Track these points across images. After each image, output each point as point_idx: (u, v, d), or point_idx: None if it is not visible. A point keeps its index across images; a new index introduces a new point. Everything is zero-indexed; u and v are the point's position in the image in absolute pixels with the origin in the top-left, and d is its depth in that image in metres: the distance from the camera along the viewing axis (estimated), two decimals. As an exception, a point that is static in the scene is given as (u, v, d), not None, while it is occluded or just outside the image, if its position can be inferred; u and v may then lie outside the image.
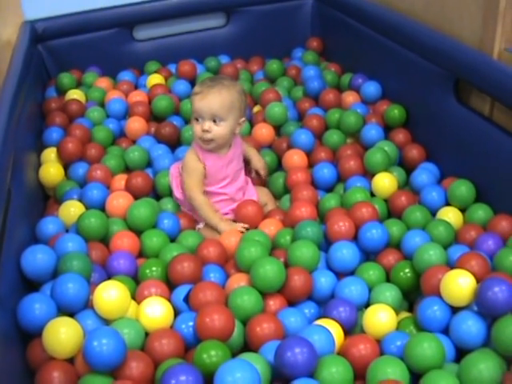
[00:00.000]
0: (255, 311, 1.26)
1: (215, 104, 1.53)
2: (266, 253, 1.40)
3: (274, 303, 1.31)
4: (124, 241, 1.47)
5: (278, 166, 1.86)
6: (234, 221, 1.61)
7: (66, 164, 1.78)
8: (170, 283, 1.37)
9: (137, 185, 1.68)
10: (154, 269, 1.38)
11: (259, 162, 1.77)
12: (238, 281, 1.35)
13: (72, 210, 1.56)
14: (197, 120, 1.57)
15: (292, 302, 1.34)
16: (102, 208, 1.59)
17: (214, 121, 1.55)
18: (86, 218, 1.47)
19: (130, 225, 1.54)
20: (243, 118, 1.61)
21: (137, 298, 1.30)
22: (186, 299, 1.29)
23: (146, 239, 1.49)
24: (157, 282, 1.33)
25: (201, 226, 1.62)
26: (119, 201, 1.60)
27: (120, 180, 1.72)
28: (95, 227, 1.47)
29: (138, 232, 1.52)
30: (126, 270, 1.39)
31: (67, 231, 1.52)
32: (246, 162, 1.75)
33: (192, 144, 1.64)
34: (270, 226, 1.56)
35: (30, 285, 1.33)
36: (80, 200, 1.62)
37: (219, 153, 1.60)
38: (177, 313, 1.28)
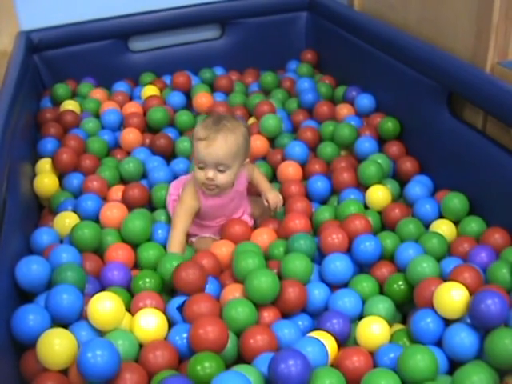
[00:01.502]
0: (249, 323, 1.26)
1: (221, 153, 1.46)
2: (263, 264, 1.40)
3: (268, 315, 1.31)
4: (119, 253, 1.47)
5: (273, 177, 1.87)
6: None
7: (61, 175, 1.77)
8: (165, 295, 1.37)
9: (133, 196, 1.68)
10: (147, 280, 1.37)
11: (274, 198, 1.65)
12: (233, 291, 1.35)
13: (67, 221, 1.56)
14: (199, 166, 1.50)
15: (286, 315, 1.34)
16: (96, 219, 1.59)
17: (219, 169, 1.49)
18: (80, 229, 1.47)
19: (125, 238, 1.54)
20: (247, 159, 1.56)
21: (132, 309, 1.30)
22: (180, 308, 1.29)
23: (142, 252, 1.49)
24: (152, 293, 1.33)
25: (193, 239, 1.62)
26: (113, 211, 1.60)
27: (117, 191, 1.72)
28: (88, 238, 1.47)
29: (133, 245, 1.52)
30: (120, 281, 1.39)
31: (62, 242, 1.52)
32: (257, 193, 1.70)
33: (192, 178, 1.58)
34: (263, 235, 1.56)
35: (24, 296, 1.33)
36: (74, 211, 1.62)
37: (220, 194, 1.56)
38: (171, 324, 1.28)
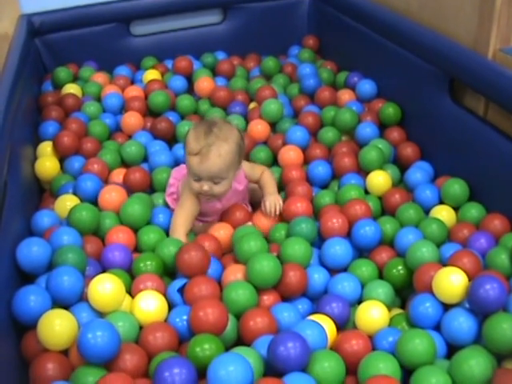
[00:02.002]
0: (249, 306, 1.26)
1: (215, 169, 1.43)
2: (266, 247, 1.40)
3: (268, 298, 1.32)
4: (120, 236, 1.47)
5: (273, 162, 1.87)
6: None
7: (62, 158, 1.78)
8: (166, 277, 1.38)
9: (135, 180, 1.68)
10: (148, 263, 1.38)
11: (272, 202, 1.56)
12: (235, 272, 1.36)
13: (68, 203, 1.56)
14: (194, 179, 1.47)
15: (286, 298, 1.35)
16: (96, 200, 1.59)
17: (214, 181, 1.46)
18: (78, 211, 1.47)
19: (124, 222, 1.53)
20: (242, 161, 1.54)
21: (132, 291, 1.31)
22: (181, 290, 1.30)
23: (143, 236, 1.49)
24: (152, 276, 1.34)
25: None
26: (112, 195, 1.59)
27: (118, 175, 1.73)
28: (87, 220, 1.47)
29: (133, 228, 1.52)
30: (121, 262, 1.39)
31: (61, 224, 1.52)
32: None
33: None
34: (263, 219, 1.57)
35: (25, 277, 1.34)
36: (74, 193, 1.62)
37: (219, 198, 1.54)
38: (171, 306, 1.29)
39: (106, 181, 1.71)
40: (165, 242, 1.43)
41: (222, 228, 1.52)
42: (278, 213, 1.56)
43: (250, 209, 1.65)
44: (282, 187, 1.72)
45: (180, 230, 1.50)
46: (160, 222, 1.58)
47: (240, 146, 1.49)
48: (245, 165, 1.60)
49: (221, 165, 1.43)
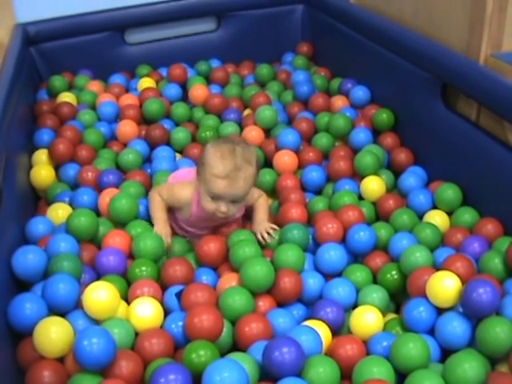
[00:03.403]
0: (246, 311, 1.27)
1: (240, 192, 1.42)
2: (260, 252, 1.41)
3: (263, 304, 1.33)
4: (116, 240, 1.47)
5: (265, 164, 1.87)
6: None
7: (57, 165, 1.78)
8: (163, 283, 1.38)
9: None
10: (143, 268, 1.38)
11: (261, 231, 1.54)
12: (230, 281, 1.36)
13: (60, 211, 1.57)
14: (213, 198, 1.43)
15: (282, 304, 1.35)
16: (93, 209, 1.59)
17: (233, 201, 1.44)
18: (76, 217, 1.47)
19: (114, 217, 1.54)
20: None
21: (129, 297, 1.31)
22: (179, 295, 1.30)
23: (130, 230, 1.50)
24: (149, 281, 1.34)
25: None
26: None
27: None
28: (85, 226, 1.46)
29: (122, 224, 1.53)
30: (115, 267, 1.39)
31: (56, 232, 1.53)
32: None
33: (196, 181, 1.50)
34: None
35: (21, 285, 1.34)
36: (70, 204, 1.62)
37: None
38: (167, 313, 1.30)
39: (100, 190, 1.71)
40: (139, 237, 1.45)
41: (211, 241, 1.48)
42: (269, 241, 1.52)
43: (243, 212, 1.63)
44: (274, 188, 1.75)
45: (158, 201, 1.53)
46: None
47: (258, 168, 1.48)
48: None
49: (246, 188, 1.43)
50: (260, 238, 1.52)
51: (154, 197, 1.55)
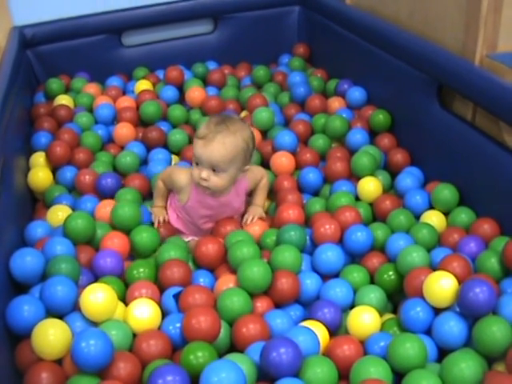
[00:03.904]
0: (244, 312, 1.27)
1: (216, 155, 1.44)
2: (258, 253, 1.42)
3: (261, 305, 1.33)
4: (114, 241, 1.47)
5: (262, 166, 1.86)
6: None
7: (55, 168, 1.78)
8: (160, 284, 1.39)
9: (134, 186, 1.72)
10: (141, 270, 1.39)
11: (252, 213, 1.62)
12: (227, 282, 1.37)
13: (59, 214, 1.57)
14: (196, 163, 1.49)
15: (279, 305, 1.36)
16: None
17: (214, 169, 1.47)
18: (73, 219, 1.47)
19: (117, 225, 1.54)
20: (248, 166, 1.54)
21: (127, 299, 1.32)
22: (177, 297, 1.30)
23: (135, 236, 1.50)
24: (147, 282, 1.35)
25: (189, 238, 1.62)
26: (107, 209, 1.59)
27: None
28: (82, 228, 1.47)
29: (126, 230, 1.53)
30: (113, 268, 1.39)
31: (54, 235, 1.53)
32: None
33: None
34: (255, 226, 1.59)
35: (19, 287, 1.34)
36: (73, 210, 1.62)
37: (214, 195, 1.54)
38: (164, 314, 1.30)
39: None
40: (163, 248, 1.46)
41: (209, 242, 1.49)
42: (248, 222, 1.60)
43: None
44: (274, 194, 1.74)
45: (160, 184, 1.63)
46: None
47: (247, 145, 1.50)
48: (248, 177, 1.60)
49: (223, 153, 1.44)
50: (248, 219, 1.60)
51: (158, 183, 1.63)
